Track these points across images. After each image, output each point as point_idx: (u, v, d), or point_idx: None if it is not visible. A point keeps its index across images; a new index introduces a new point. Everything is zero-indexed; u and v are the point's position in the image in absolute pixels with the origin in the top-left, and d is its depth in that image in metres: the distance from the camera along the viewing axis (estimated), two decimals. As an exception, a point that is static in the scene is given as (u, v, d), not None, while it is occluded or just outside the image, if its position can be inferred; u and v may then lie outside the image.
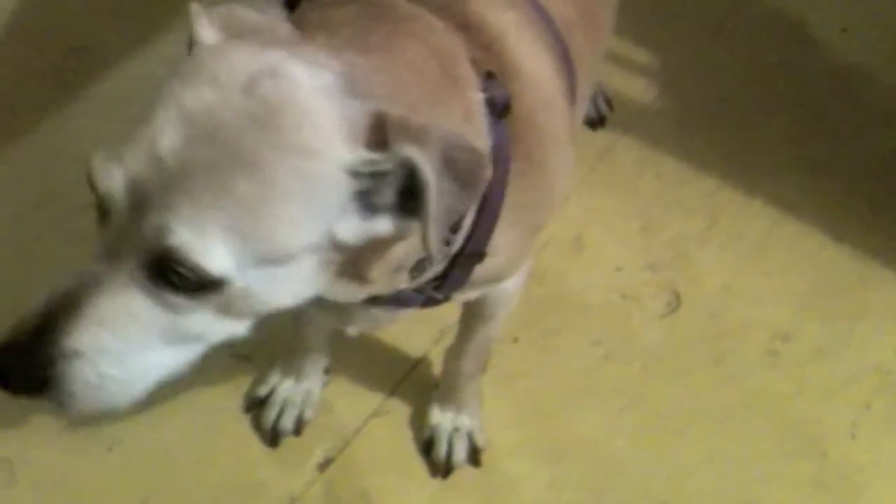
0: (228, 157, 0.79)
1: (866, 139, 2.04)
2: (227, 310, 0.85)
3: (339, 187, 0.83)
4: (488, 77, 1.00)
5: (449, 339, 1.58)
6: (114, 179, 0.80)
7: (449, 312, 1.61)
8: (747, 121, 2.04)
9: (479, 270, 1.10)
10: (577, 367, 1.72)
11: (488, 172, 0.88)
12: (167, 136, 0.79)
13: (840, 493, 1.63)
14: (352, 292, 0.99)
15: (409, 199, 0.84)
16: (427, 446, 1.61)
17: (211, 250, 0.79)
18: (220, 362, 1.66)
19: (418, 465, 1.61)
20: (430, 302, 1.13)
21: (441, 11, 1.03)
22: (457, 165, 0.83)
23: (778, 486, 1.63)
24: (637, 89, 2.05)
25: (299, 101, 0.81)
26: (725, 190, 1.94)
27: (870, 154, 2.02)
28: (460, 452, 1.60)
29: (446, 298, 1.15)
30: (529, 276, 1.37)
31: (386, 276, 0.98)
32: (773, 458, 1.65)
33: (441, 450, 1.60)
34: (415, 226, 0.86)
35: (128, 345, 0.84)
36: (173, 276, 0.80)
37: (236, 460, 1.60)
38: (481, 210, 1.02)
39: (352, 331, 1.23)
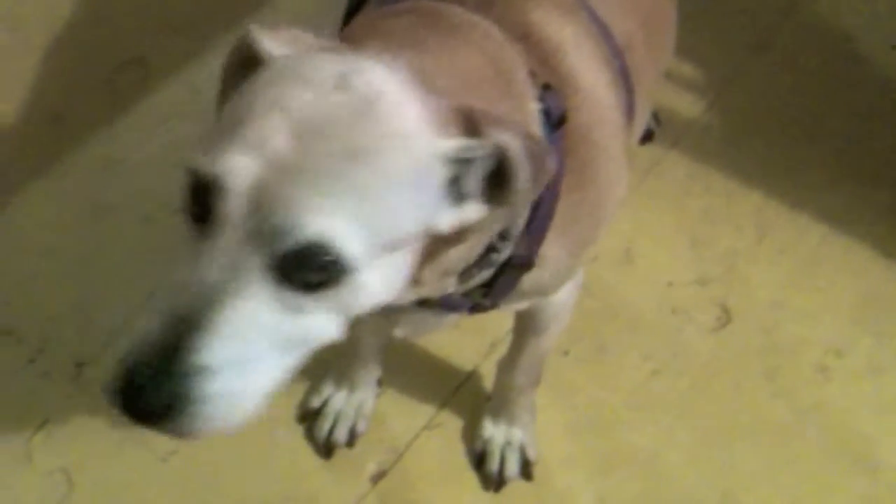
0: (339, 149, 0.80)
1: (916, 155, 2.03)
2: (340, 307, 0.85)
3: (437, 173, 0.85)
4: (545, 88, 1.01)
5: (500, 352, 1.58)
6: (233, 184, 0.79)
7: (499, 324, 1.62)
8: (795, 135, 2.03)
9: (527, 281, 1.10)
10: (628, 381, 1.72)
11: (552, 164, 0.91)
12: (276, 135, 0.79)
13: (894, 509, 1.63)
14: (402, 292, 1.00)
15: (491, 185, 0.87)
16: (479, 459, 1.62)
17: (342, 238, 0.79)
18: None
19: (471, 478, 1.61)
20: (477, 308, 1.14)
21: (500, 22, 1.03)
22: (532, 154, 0.86)
23: (831, 500, 1.62)
24: (685, 104, 2.05)
25: (390, 93, 0.83)
26: (774, 204, 1.93)
27: (920, 169, 2.01)
28: (512, 466, 1.60)
29: (493, 306, 1.15)
30: (582, 289, 1.37)
31: (436, 279, 0.99)
32: (827, 474, 1.64)
33: (493, 463, 1.60)
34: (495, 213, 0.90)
35: (253, 354, 0.82)
36: (303, 273, 0.80)
37: (290, 471, 1.61)
38: (531, 219, 1.02)
39: (399, 333, 1.23)
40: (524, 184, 0.85)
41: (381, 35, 0.93)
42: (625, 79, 1.18)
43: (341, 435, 1.61)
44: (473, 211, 0.88)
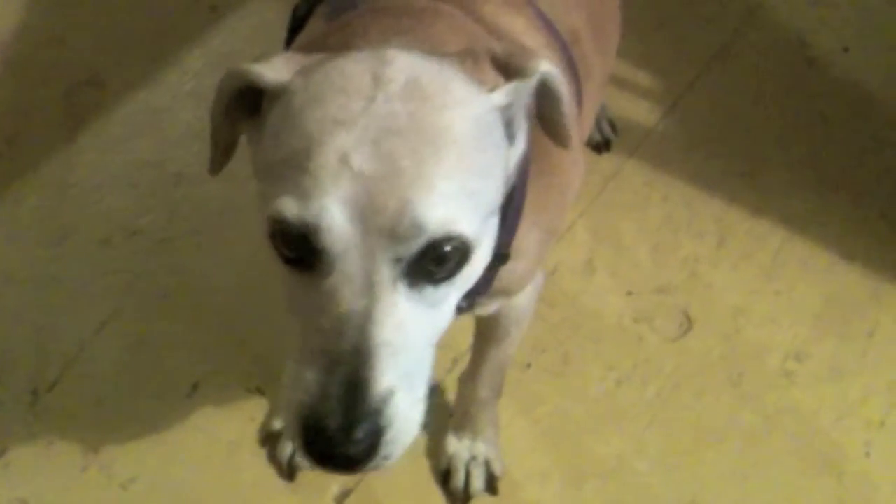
0: (419, 139, 0.79)
1: (874, 157, 2.04)
2: (463, 285, 0.87)
3: (499, 123, 0.87)
4: None
5: (462, 367, 1.57)
6: (335, 218, 0.78)
7: (461, 339, 1.61)
8: (754, 140, 2.04)
9: (501, 275, 1.10)
10: (592, 392, 1.72)
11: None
12: (353, 152, 0.78)
13: (860, 511, 1.64)
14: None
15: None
16: (444, 476, 1.61)
17: (462, 220, 0.80)
18: (233, 396, 1.68)
19: (436, 495, 1.60)
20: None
21: None
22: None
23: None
24: (642, 112, 2.06)
25: (425, 71, 0.84)
26: (734, 211, 1.94)
27: (879, 171, 2.01)
28: (478, 481, 1.59)
29: (469, 307, 1.15)
30: (541, 300, 1.37)
31: None
32: (794, 478, 1.65)
33: (458, 479, 1.59)
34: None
35: (415, 360, 0.82)
36: (435, 267, 0.81)
37: (253, 495, 1.59)
38: (506, 206, 1.02)
39: None
40: (567, 103, 0.90)
41: (359, 34, 0.92)
42: (573, 71, 1.18)
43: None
44: (520, 147, 0.92)
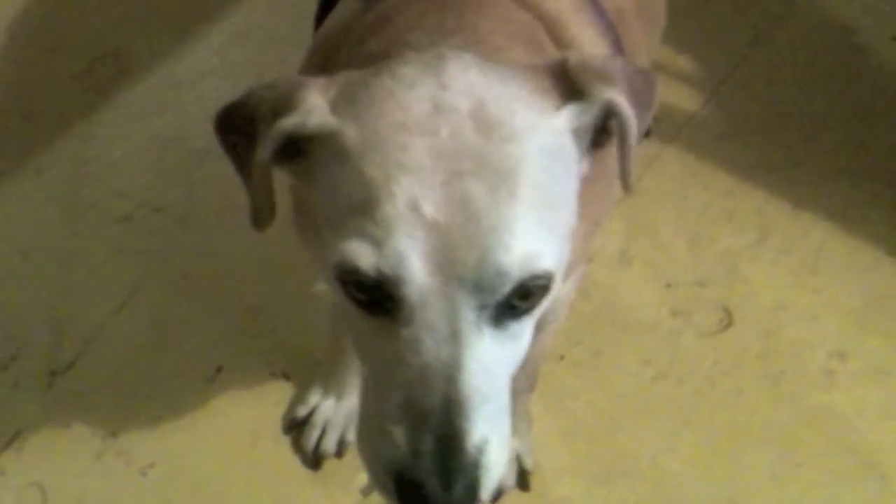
0: (494, 176, 0.75)
1: (921, 150, 1.98)
2: (539, 313, 0.83)
3: (570, 145, 0.82)
4: None
5: (495, 358, 1.52)
6: (413, 267, 0.73)
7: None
8: (797, 130, 1.98)
9: None
10: (627, 387, 1.67)
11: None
12: (423, 197, 0.73)
13: (903, 518, 1.59)
14: None
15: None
16: (474, 470, 1.56)
17: (546, 256, 0.76)
18: (257, 381, 1.63)
19: (466, 490, 1.56)
20: None
21: None
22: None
23: (840, 509, 1.58)
24: (682, 98, 2.00)
25: (490, 90, 0.78)
26: (775, 202, 1.88)
27: (924, 165, 1.96)
28: (508, 476, 1.54)
29: None
30: (577, 291, 1.32)
31: None
32: (835, 481, 1.60)
33: (489, 474, 1.54)
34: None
35: (502, 400, 0.80)
36: (518, 304, 0.78)
37: (277, 484, 1.55)
38: None
39: None
40: (634, 132, 0.83)
41: (402, 39, 0.87)
42: (619, 52, 1.13)
43: (330, 445, 1.56)
44: (586, 165, 0.87)
